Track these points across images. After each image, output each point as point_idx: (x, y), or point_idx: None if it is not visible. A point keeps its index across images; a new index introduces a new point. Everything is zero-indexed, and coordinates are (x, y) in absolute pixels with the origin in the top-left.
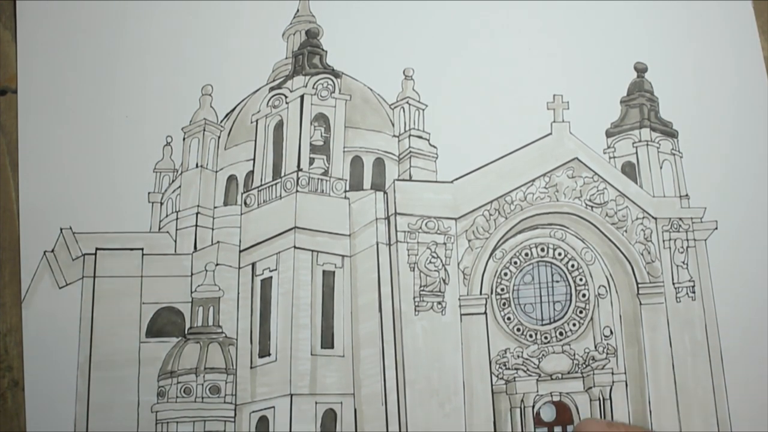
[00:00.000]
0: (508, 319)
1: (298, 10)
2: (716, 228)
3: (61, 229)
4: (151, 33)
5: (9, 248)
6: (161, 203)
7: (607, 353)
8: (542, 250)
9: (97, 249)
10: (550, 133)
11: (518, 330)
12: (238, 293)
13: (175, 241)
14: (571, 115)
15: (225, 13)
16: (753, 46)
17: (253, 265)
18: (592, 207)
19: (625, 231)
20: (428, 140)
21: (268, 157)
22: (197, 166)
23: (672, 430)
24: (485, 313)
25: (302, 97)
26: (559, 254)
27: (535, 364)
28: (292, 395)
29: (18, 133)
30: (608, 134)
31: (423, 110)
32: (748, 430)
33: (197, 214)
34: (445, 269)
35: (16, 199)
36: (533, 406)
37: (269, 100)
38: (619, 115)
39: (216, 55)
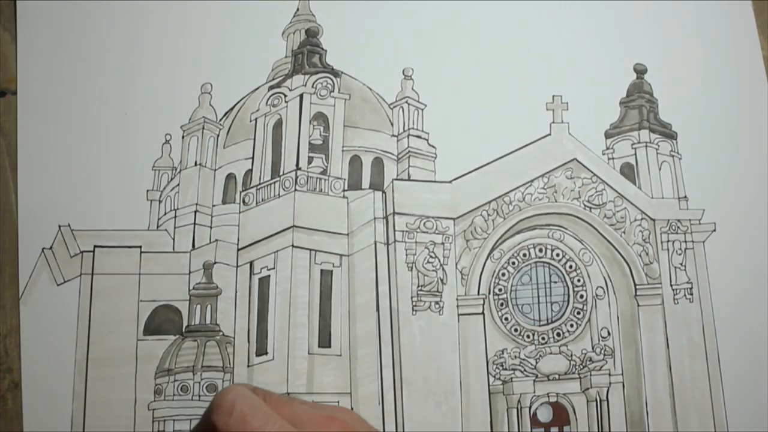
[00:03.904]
0: (506, 319)
1: (297, 9)
2: (714, 230)
3: (59, 227)
4: (151, 32)
5: (9, 250)
6: (160, 201)
7: (605, 354)
8: (540, 250)
9: (95, 246)
10: (549, 134)
11: (516, 330)
12: (236, 291)
13: (173, 239)
14: (570, 116)
15: (224, 11)
16: (753, 46)
17: (251, 263)
18: (590, 208)
19: (624, 232)
20: (427, 140)
21: (267, 155)
22: (196, 165)
23: (669, 431)
24: (483, 313)
25: (301, 96)
26: (557, 255)
27: (532, 364)
28: (289, 394)
29: (17, 133)
30: (607, 135)
31: (422, 110)
32: (745, 430)
33: (195, 212)
34: (443, 269)
35: (16, 201)
36: (530, 407)
37: (268, 99)
38: (618, 117)
39: (215, 53)
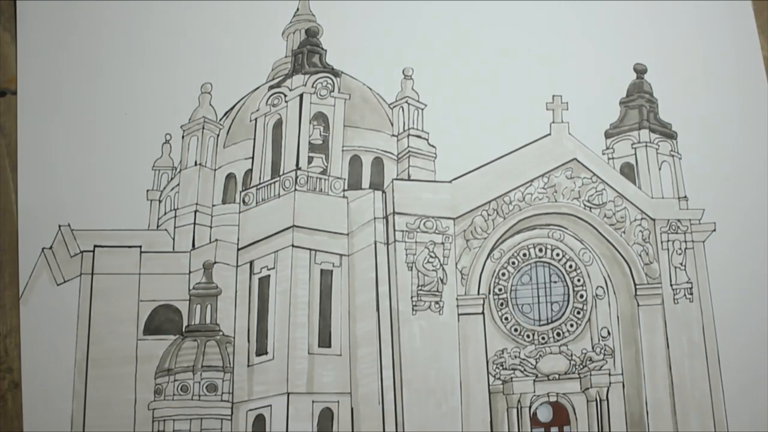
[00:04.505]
0: (506, 319)
1: (297, 9)
2: (714, 230)
3: (59, 226)
4: (151, 32)
5: (9, 250)
6: (160, 201)
7: (605, 354)
8: (540, 250)
9: (95, 246)
10: (549, 134)
11: (516, 330)
12: (236, 291)
13: (174, 239)
14: (571, 116)
15: (225, 12)
16: (753, 46)
17: (251, 263)
18: (590, 208)
19: (624, 232)
20: (427, 140)
21: (267, 155)
22: (196, 164)
23: (668, 431)
24: (483, 313)
25: (301, 95)
26: (557, 255)
27: (532, 364)
28: (289, 394)
29: (17, 133)
30: (607, 135)
31: (422, 110)
32: (745, 430)
33: (196, 212)
34: (443, 269)
35: (16, 201)
36: (530, 407)
37: (268, 99)
38: (619, 116)
39: (215, 53)
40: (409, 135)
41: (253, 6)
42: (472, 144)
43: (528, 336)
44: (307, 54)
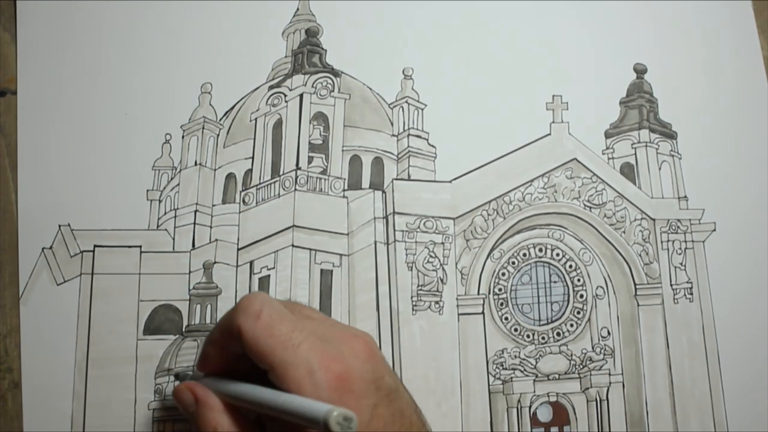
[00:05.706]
0: (506, 319)
1: (297, 9)
2: (714, 229)
3: (59, 226)
4: (151, 32)
5: (9, 250)
6: (160, 201)
7: (605, 354)
8: (540, 250)
9: (95, 246)
10: (549, 134)
11: (516, 330)
12: (236, 291)
13: (174, 239)
14: (570, 116)
15: (225, 11)
16: (753, 46)
17: (251, 263)
18: (590, 208)
19: (624, 232)
20: (427, 140)
21: (267, 155)
22: (196, 164)
23: (668, 431)
24: (483, 313)
25: (301, 95)
26: (557, 255)
27: (532, 364)
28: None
29: (18, 133)
30: (607, 135)
31: (422, 110)
32: (745, 430)
33: (195, 212)
34: (443, 269)
35: (16, 201)
36: (530, 407)
37: (268, 99)
38: (618, 116)
39: (215, 53)
40: (409, 135)
41: (253, 6)
42: (472, 144)
43: (528, 336)
44: (307, 54)
